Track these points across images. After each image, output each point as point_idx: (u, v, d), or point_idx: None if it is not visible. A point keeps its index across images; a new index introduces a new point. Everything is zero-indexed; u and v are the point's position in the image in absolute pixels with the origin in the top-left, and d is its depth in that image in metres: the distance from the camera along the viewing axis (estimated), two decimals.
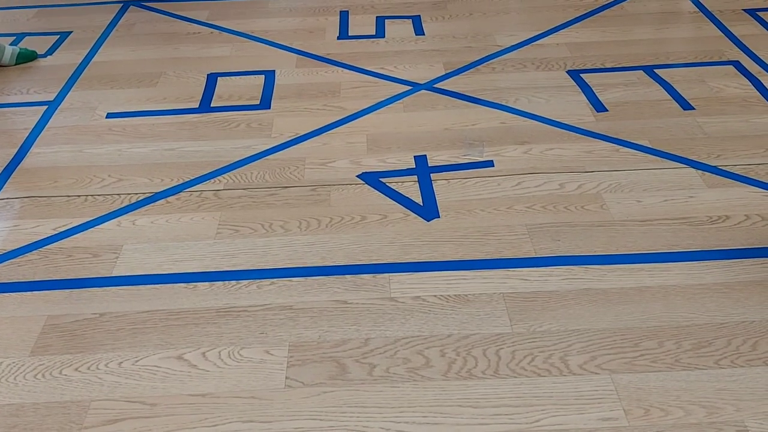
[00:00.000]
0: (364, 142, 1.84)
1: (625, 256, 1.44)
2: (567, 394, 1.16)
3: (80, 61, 2.30)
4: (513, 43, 2.32)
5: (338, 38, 2.43)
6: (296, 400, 1.16)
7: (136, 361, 1.24)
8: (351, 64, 2.24)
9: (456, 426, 1.12)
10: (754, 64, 2.14)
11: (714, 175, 1.67)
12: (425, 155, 1.78)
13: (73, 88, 2.15)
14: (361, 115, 1.96)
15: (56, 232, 1.55)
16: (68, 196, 1.68)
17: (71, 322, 1.32)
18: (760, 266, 1.40)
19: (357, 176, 1.72)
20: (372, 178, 1.71)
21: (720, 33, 2.34)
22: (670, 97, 1.99)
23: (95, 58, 2.33)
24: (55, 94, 2.12)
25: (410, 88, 2.09)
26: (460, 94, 2.05)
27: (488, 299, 1.35)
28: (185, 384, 1.20)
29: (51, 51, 2.38)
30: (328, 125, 1.92)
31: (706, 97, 1.98)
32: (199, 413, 1.15)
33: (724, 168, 1.69)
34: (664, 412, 1.13)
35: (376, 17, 2.55)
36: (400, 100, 2.03)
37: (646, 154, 1.76)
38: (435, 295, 1.36)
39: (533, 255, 1.45)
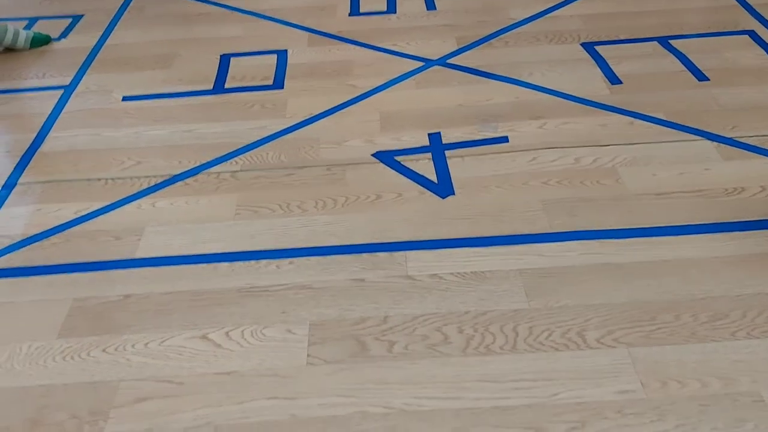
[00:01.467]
0: (378, 121, 1.85)
1: (640, 229, 1.45)
2: (584, 368, 1.18)
3: (94, 44, 2.32)
4: (526, 16, 2.30)
5: (350, 15, 2.42)
6: (319, 377, 1.19)
7: (162, 342, 1.27)
8: (363, 41, 2.23)
9: (476, 401, 1.14)
10: None
11: (729, 146, 1.67)
12: (439, 132, 1.79)
13: (88, 71, 2.17)
14: (374, 93, 1.97)
15: (78, 216, 1.58)
16: (88, 179, 1.70)
17: (97, 304, 1.36)
18: None
19: (372, 155, 1.73)
20: (387, 157, 1.72)
21: (734, 2, 2.31)
22: (685, 68, 1.97)
23: (108, 41, 2.34)
24: (71, 77, 2.14)
25: (423, 64, 2.09)
26: (473, 69, 2.04)
27: (505, 276, 1.36)
28: (210, 363, 1.23)
29: (64, 34, 2.39)
30: (341, 104, 1.93)
31: (720, 68, 1.96)
32: (225, 391, 1.18)
33: (739, 140, 1.68)
34: (680, 384, 1.14)
35: None
36: (413, 77, 2.03)
37: (662, 127, 1.75)
38: (452, 273, 1.38)
39: (549, 230, 1.46)
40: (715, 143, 1.68)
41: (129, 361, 1.24)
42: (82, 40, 2.35)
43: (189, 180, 1.68)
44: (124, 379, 1.21)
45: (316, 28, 2.33)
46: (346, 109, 1.91)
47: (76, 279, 1.41)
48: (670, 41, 2.10)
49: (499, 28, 2.24)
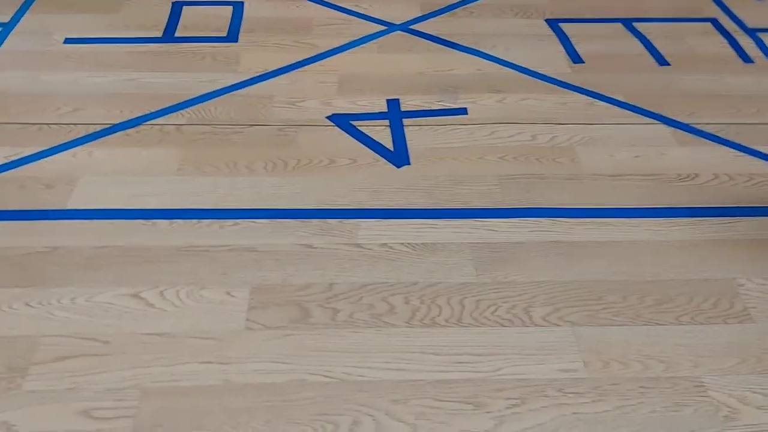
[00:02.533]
0: (336, 83, 1.78)
1: (593, 210, 1.43)
2: (528, 344, 1.16)
3: None
4: None
5: None
6: (257, 342, 1.14)
7: (90, 297, 1.20)
8: None
9: (418, 372, 1.11)
10: (731, 22, 2.12)
11: (686, 132, 1.66)
12: (398, 99, 1.73)
13: (29, 10, 2.03)
14: (333, 54, 1.90)
15: (7, 161, 1.48)
16: (20, 123, 1.59)
17: (22, 254, 1.27)
18: (726, 225, 1.41)
19: (327, 117, 1.66)
20: (342, 120, 1.66)
21: None
22: (647, 52, 1.96)
23: None
24: (10, 16, 1.99)
25: (385, 28, 2.02)
26: (436, 37, 1.99)
27: (456, 249, 1.33)
28: (140, 322, 1.16)
29: None
30: (297, 62, 1.85)
31: (682, 54, 1.96)
32: (154, 352, 1.12)
33: (695, 126, 1.68)
34: (623, 365, 1.14)
35: None
36: (375, 41, 1.96)
37: (621, 109, 1.74)
38: (402, 243, 1.34)
39: (502, 206, 1.43)
40: (671, 128, 1.68)
41: (53, 316, 1.16)
42: None
43: (130, 131, 1.58)
44: (46, 335, 1.14)
45: None
46: (303, 68, 1.84)
47: (1, 227, 1.32)
48: (633, 24, 2.09)
49: None
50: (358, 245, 1.33)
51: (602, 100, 1.76)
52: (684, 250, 1.34)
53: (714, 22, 2.12)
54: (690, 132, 1.67)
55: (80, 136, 1.56)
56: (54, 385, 1.06)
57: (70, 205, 1.38)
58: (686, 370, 1.13)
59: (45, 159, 1.49)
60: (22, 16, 2.00)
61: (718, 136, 1.65)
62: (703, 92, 1.81)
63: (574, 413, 1.07)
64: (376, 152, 1.56)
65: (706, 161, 1.57)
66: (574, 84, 1.82)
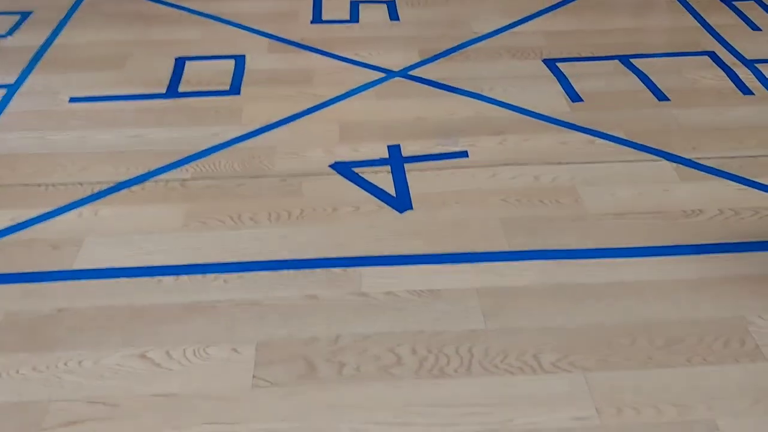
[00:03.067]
0: (337, 131, 1.80)
1: (599, 250, 1.43)
2: (540, 392, 1.15)
3: (42, 43, 2.22)
4: (489, 30, 2.28)
5: (312, 22, 2.37)
6: (264, 400, 1.13)
7: (98, 360, 1.20)
8: (324, 49, 2.19)
9: (428, 426, 1.10)
10: (729, 54, 2.13)
11: (688, 168, 1.66)
12: (399, 145, 1.75)
13: (34, 70, 2.07)
14: (334, 103, 1.92)
15: (14, 223, 1.49)
16: (27, 184, 1.61)
17: (29, 318, 1.27)
18: (733, 261, 1.40)
19: (329, 166, 1.68)
20: (345, 168, 1.67)
21: (696, 23, 2.33)
22: (646, 88, 1.97)
23: (58, 40, 2.24)
24: (16, 76, 2.04)
25: (384, 75, 2.05)
26: (434, 82, 2.01)
27: (461, 295, 1.32)
28: (148, 383, 1.16)
29: (11, 31, 2.28)
30: (299, 113, 1.87)
31: (681, 89, 1.97)
32: (163, 414, 1.11)
33: (698, 161, 1.68)
34: (636, 411, 1.12)
35: (351, 1, 2.49)
36: (374, 88, 1.99)
37: (622, 146, 1.74)
38: (407, 290, 1.33)
39: (507, 249, 1.43)
40: (674, 164, 1.68)
41: (61, 380, 1.16)
42: (30, 38, 2.25)
43: (135, 188, 1.60)
44: (54, 400, 1.13)
45: (276, 35, 2.27)
46: (304, 117, 1.86)
47: (7, 291, 1.33)
48: (631, 60, 2.10)
49: (462, 42, 2.22)
50: (363, 294, 1.33)
51: (603, 138, 1.77)
52: (691, 289, 1.33)
53: (712, 55, 2.13)
54: (693, 167, 1.67)
55: (86, 195, 1.57)
56: None
57: (76, 265, 1.39)
58: (700, 413, 1.11)
59: (51, 219, 1.50)
60: (27, 76, 2.04)
61: (721, 170, 1.65)
62: (704, 126, 1.82)
63: None
64: (378, 198, 1.57)
65: (711, 196, 1.57)
66: (573, 123, 1.83)
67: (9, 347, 1.22)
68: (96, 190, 1.59)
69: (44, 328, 1.25)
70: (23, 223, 1.49)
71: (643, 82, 2.00)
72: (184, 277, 1.36)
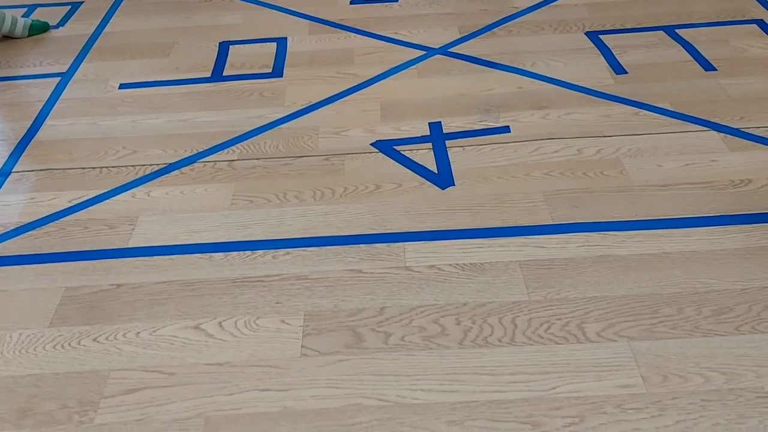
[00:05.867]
0: (378, 110, 1.82)
1: (644, 222, 1.42)
2: (584, 361, 1.15)
3: (92, 32, 2.29)
4: (530, 5, 2.26)
5: (351, 3, 2.38)
6: (312, 368, 1.17)
7: (154, 331, 1.25)
8: (364, 29, 2.20)
9: (472, 393, 1.12)
10: None
11: (736, 137, 1.63)
12: (440, 122, 1.76)
13: (85, 59, 2.14)
14: (375, 82, 1.94)
15: (72, 204, 1.56)
16: (83, 168, 1.68)
17: (89, 293, 1.33)
18: None
19: (371, 144, 1.70)
20: (386, 146, 1.69)
21: None
22: (692, 58, 1.93)
23: (107, 29, 2.31)
24: (68, 65, 2.11)
25: (425, 53, 2.05)
26: (475, 58, 2.01)
27: (504, 267, 1.33)
28: (202, 353, 1.20)
29: (63, 22, 2.37)
30: (341, 93, 1.90)
31: (728, 58, 1.92)
32: (216, 382, 1.16)
33: (746, 130, 1.65)
34: (682, 378, 1.12)
35: None
36: (414, 66, 2.00)
37: (667, 117, 1.72)
38: (450, 264, 1.35)
39: (550, 222, 1.43)
40: (722, 134, 1.64)
41: (120, 351, 1.22)
42: (81, 27, 2.32)
43: (185, 169, 1.65)
44: (114, 369, 1.19)
45: (316, 16, 2.30)
46: (346, 98, 1.88)
47: (68, 268, 1.39)
48: (676, 30, 2.06)
49: (503, 17, 2.21)
50: (407, 268, 1.35)
51: (648, 110, 1.75)
52: (740, 258, 1.31)
53: (760, 23, 2.07)
54: (741, 137, 1.63)
55: (138, 176, 1.63)
56: (124, 418, 1.11)
57: (132, 243, 1.44)
58: (749, 380, 1.11)
59: (107, 201, 1.57)
60: (78, 65, 2.11)
61: None
62: (753, 95, 1.77)
63: (635, 429, 1.05)
64: (420, 175, 1.59)
65: (760, 166, 1.54)
66: (618, 95, 1.81)
67: (70, 320, 1.28)
68: (147, 171, 1.65)
69: (102, 303, 1.31)
70: (81, 204, 1.56)
71: (689, 53, 1.96)
72: (234, 254, 1.40)
